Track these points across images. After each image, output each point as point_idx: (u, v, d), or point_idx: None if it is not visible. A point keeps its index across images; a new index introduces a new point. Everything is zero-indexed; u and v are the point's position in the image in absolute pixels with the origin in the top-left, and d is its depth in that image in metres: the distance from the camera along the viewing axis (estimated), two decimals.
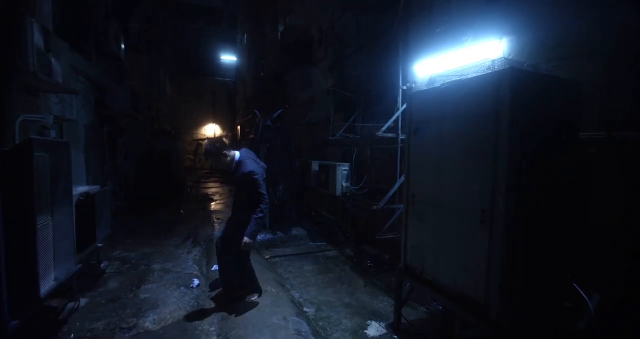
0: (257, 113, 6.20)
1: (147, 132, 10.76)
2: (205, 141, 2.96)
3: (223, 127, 22.74)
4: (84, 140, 5.33)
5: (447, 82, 2.63)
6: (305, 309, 3.27)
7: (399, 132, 4.46)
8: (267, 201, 2.89)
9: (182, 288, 3.50)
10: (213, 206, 8.78)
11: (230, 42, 22.54)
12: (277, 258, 4.70)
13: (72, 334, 2.63)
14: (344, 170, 5.32)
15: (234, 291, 3.19)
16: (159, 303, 3.14)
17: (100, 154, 6.12)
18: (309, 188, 6.25)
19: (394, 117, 4.45)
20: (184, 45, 20.80)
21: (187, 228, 5.94)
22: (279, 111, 6.16)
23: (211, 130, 22.48)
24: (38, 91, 3.91)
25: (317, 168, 6.11)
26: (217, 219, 6.72)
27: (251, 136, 13.29)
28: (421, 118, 2.72)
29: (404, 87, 4.58)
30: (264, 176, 3.03)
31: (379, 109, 5.43)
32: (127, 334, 2.64)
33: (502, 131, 1.96)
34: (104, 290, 3.43)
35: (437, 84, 3.34)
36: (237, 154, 3.02)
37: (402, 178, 4.46)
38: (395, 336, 2.82)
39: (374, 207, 4.33)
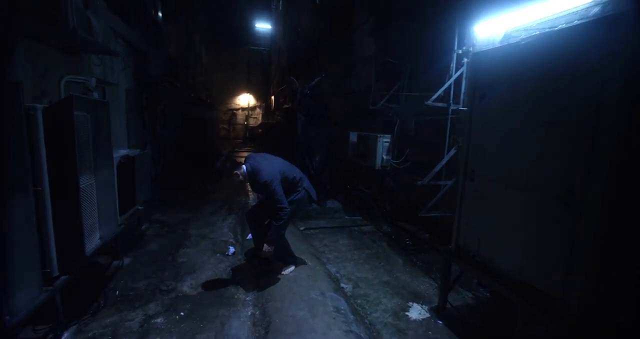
0: (295, 81, 5.90)
1: (184, 100, 10.89)
2: (217, 163, 2.69)
3: (257, 98, 22.69)
4: (125, 105, 5.38)
5: (529, 37, 2.18)
6: (342, 285, 3.14)
7: (451, 102, 4.00)
8: (286, 206, 2.68)
9: (218, 254, 3.50)
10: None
11: (265, 10, 21.82)
12: (311, 230, 4.60)
13: (117, 292, 2.69)
14: (386, 142, 4.98)
15: (269, 263, 3.11)
16: (196, 268, 3.15)
17: (140, 121, 6.21)
18: (344, 160, 6.00)
19: (446, 85, 3.97)
20: (219, 13, 20.44)
21: (222, 196, 5.99)
22: (317, 79, 5.82)
23: (245, 100, 22.54)
24: (79, 52, 3.88)
25: (355, 139, 5.81)
26: (251, 190, 6.72)
27: (286, 105, 13.07)
28: (489, 82, 2.31)
29: (459, 51, 4.04)
30: (284, 174, 2.80)
31: (426, 78, 4.93)
32: (166, 297, 2.66)
33: (613, 95, 1.55)
34: (145, 251, 3.51)
35: (510, 42, 2.85)
36: (244, 168, 2.77)
37: (452, 152, 4.08)
38: (440, 322, 2.62)
39: (419, 182, 4.01)
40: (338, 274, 3.38)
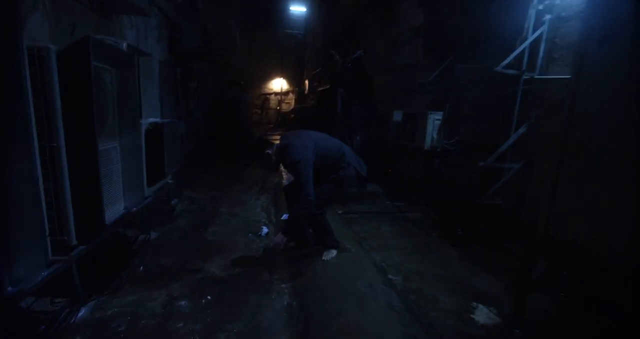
0: (334, 54, 5.40)
1: (218, 81, 10.74)
2: (247, 144, 2.30)
3: (290, 82, 22.34)
4: (158, 77, 5.17)
5: None
6: (390, 276, 2.70)
7: (524, 69, 3.32)
8: (311, 195, 2.27)
9: (249, 235, 3.18)
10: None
11: None
12: (351, 215, 4.17)
13: (142, 267, 2.44)
14: (437, 120, 4.39)
15: (307, 246, 2.74)
16: (225, 248, 2.85)
17: (173, 95, 6.03)
18: (386, 141, 5.46)
19: (520, 48, 3.29)
20: None
21: (255, 175, 5.71)
22: (359, 52, 5.27)
23: (278, 85, 22.27)
24: (111, 13, 3.63)
25: (399, 118, 5.24)
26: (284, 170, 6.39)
27: (320, 88, 12.57)
28: (616, 17, 1.70)
29: (540, 7, 3.34)
30: (321, 150, 2.39)
31: (486, 47, 4.22)
32: (193, 277, 2.36)
33: None
34: (173, 227, 3.26)
35: None
36: (275, 146, 2.45)
37: (521, 130, 3.43)
38: (517, 331, 2.11)
39: (480, 163, 3.42)
40: (384, 264, 2.93)
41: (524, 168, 3.43)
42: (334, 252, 2.58)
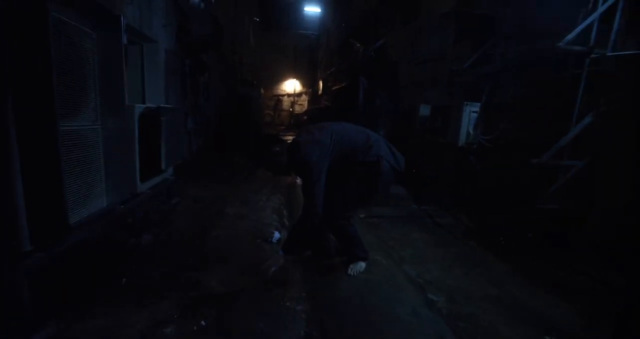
0: (355, 43, 4.92)
1: (230, 78, 10.39)
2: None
3: (303, 83, 21.99)
4: (164, 67, 4.79)
5: None
6: (430, 296, 2.15)
7: (592, 45, 2.75)
8: (316, 205, 1.79)
9: (258, 240, 2.69)
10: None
11: None
12: (374, 219, 3.64)
13: (124, 279, 1.97)
14: (474, 112, 3.83)
15: (327, 256, 2.23)
16: (229, 256, 2.36)
17: (181, 88, 5.64)
18: (411, 137, 4.91)
19: (589, 20, 2.72)
20: None
21: (267, 174, 5.23)
22: (381, 41, 4.77)
23: (291, 86, 21.97)
24: None
25: (427, 112, 4.71)
26: None
27: (335, 87, 12.11)
28: None
29: None
30: (340, 142, 1.91)
31: (534, 28, 3.66)
32: (187, 294, 1.88)
33: None
34: (171, 230, 2.80)
35: None
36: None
37: (586, 120, 2.84)
38: None
39: (534, 160, 2.85)
40: (421, 280, 2.39)
41: (589, 166, 2.84)
42: (362, 265, 2.06)
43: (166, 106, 2.77)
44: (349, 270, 2.01)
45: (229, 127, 8.42)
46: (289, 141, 2.03)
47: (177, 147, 3.14)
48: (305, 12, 22.06)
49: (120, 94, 2.08)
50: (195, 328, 1.59)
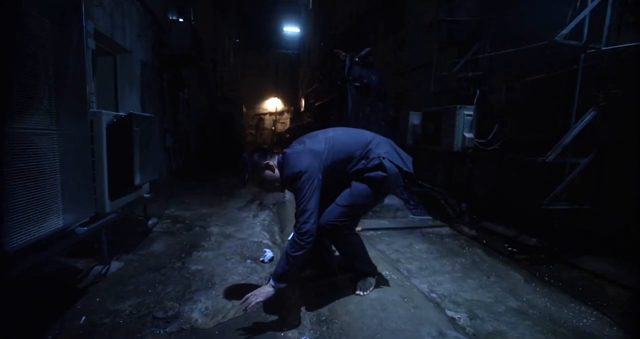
0: (340, 52, 4.82)
1: (212, 97, 10.16)
2: (244, 154, 1.79)
3: (285, 102, 22.03)
4: (139, 80, 4.51)
5: None
6: (449, 313, 1.89)
7: (585, 38, 2.69)
8: (309, 228, 1.53)
9: (248, 261, 2.37)
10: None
11: (294, 14, 21.37)
12: (371, 231, 3.39)
13: (84, 318, 1.61)
14: (468, 115, 3.72)
15: (329, 274, 1.94)
16: (215, 281, 2.03)
17: (158, 103, 5.35)
18: (403, 146, 4.75)
19: (581, 15, 2.67)
20: (248, 16, 20.16)
21: (252, 191, 4.92)
22: (367, 50, 4.69)
23: (273, 105, 21.94)
24: None
25: (416, 120, 4.59)
26: None
27: (317, 103, 12.07)
28: None
29: None
30: (336, 149, 1.69)
31: (520, 32, 3.66)
32: (162, 330, 1.53)
33: None
34: (146, 254, 2.45)
35: None
36: (277, 158, 1.76)
37: (588, 116, 2.75)
38: None
39: (538, 159, 2.71)
40: (434, 294, 2.13)
41: (594, 162, 2.73)
42: (371, 281, 1.78)
43: (140, 113, 2.47)
44: (357, 289, 1.73)
45: (211, 146, 8.10)
46: (279, 154, 1.78)
47: (154, 161, 2.83)
48: (284, 32, 22.47)
49: (81, 97, 1.79)
50: None
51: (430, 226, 3.77)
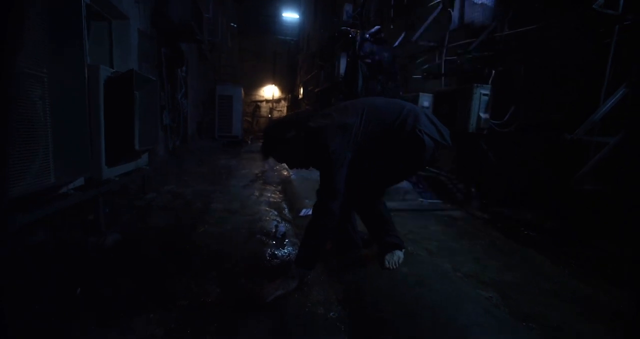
0: (349, 30, 4.60)
1: (209, 78, 9.83)
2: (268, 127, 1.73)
3: (282, 90, 21.62)
4: (136, 51, 4.23)
5: None
6: (480, 292, 1.75)
7: (622, 10, 2.53)
8: (333, 208, 1.37)
9: (258, 235, 2.19)
10: (265, 161, 7.55)
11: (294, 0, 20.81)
12: None
13: (79, 289, 1.42)
14: (484, 94, 3.55)
15: (352, 247, 1.78)
16: (223, 256, 1.86)
17: (156, 77, 5.06)
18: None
19: None
20: (247, 1, 19.55)
21: (254, 171, 4.72)
22: (377, 27, 4.47)
23: (270, 92, 21.51)
24: None
25: (427, 102, 4.40)
26: None
27: (317, 89, 11.80)
28: None
29: None
30: (363, 131, 1.49)
31: (532, 13, 3.48)
32: (172, 305, 1.35)
33: None
34: (146, 228, 2.26)
35: None
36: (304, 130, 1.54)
37: (620, 92, 2.60)
38: None
39: (568, 136, 2.56)
40: (459, 274, 1.99)
41: (622, 142, 2.59)
42: (399, 254, 1.61)
43: (142, 74, 2.24)
44: (386, 262, 1.56)
45: (208, 128, 7.83)
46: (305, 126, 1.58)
47: (155, 129, 2.60)
48: (283, 18, 21.90)
49: (77, 43, 1.56)
50: None
51: (442, 209, 3.63)
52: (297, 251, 1.41)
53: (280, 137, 1.52)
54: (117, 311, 1.29)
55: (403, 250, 1.64)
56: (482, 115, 3.59)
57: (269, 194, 3.36)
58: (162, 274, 1.61)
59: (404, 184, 4.33)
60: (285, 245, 2.05)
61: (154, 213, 2.56)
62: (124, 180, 2.30)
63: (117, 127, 2.05)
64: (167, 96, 5.51)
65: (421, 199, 3.99)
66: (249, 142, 10.64)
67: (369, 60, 4.02)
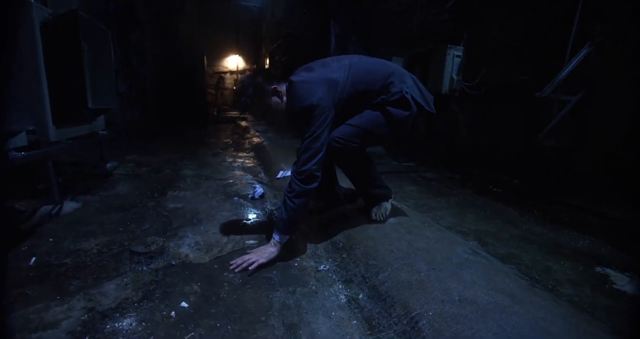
0: None
1: (168, 46, 9.02)
2: (243, 77, 1.52)
3: (246, 60, 20.55)
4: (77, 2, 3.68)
5: None
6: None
7: None
8: (314, 167, 1.27)
9: (235, 198, 2.08)
10: (248, 123, 7.25)
11: None
12: None
13: (34, 259, 1.26)
14: (457, 56, 3.54)
15: (337, 205, 1.73)
16: (201, 217, 1.74)
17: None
18: None
19: None
20: None
21: (224, 141, 4.49)
22: None
23: (234, 62, 20.37)
24: None
25: (400, 65, 4.33)
26: (258, 132, 5.21)
27: (284, 58, 11.30)
28: None
29: None
30: (356, 83, 1.41)
31: None
32: (146, 267, 1.24)
33: None
34: (109, 195, 2.05)
35: None
36: (285, 85, 1.44)
37: (583, 52, 2.68)
38: None
39: (537, 93, 2.63)
40: (440, 225, 2.03)
41: (583, 100, 2.72)
42: (386, 206, 1.58)
43: (88, 17, 1.93)
44: (372, 215, 1.53)
45: (170, 98, 7.29)
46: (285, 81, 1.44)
47: (109, 88, 2.31)
48: None
49: None
50: (172, 314, 0.99)
51: (415, 171, 3.70)
52: (277, 216, 1.30)
53: (262, 87, 1.40)
54: (83, 269, 1.16)
55: (390, 200, 1.62)
56: (455, 77, 3.60)
57: (242, 160, 3.21)
58: (131, 236, 1.47)
59: (377, 148, 4.35)
60: (265, 206, 1.97)
61: (116, 180, 2.35)
62: (78, 144, 2.05)
63: (65, 82, 1.78)
64: (119, 59, 4.97)
65: (395, 162, 4.04)
66: (215, 113, 10.14)
67: (341, 22, 3.83)
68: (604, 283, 1.49)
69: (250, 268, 1.24)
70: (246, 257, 1.28)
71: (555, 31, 2.93)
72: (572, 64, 2.66)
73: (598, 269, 1.62)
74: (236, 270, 1.24)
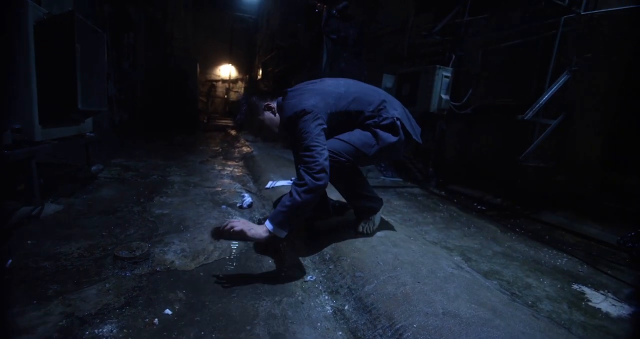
0: (316, 3, 4.44)
1: (161, 50, 9.00)
2: (240, 97, 1.24)
3: (239, 70, 20.68)
4: (71, 5, 3.67)
5: None
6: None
7: (567, 2, 2.73)
8: (322, 164, 1.25)
9: (223, 206, 2.07)
10: (239, 132, 7.23)
11: None
12: None
13: (10, 261, 1.21)
14: (446, 76, 3.67)
15: (325, 217, 1.75)
16: (187, 224, 1.72)
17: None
18: None
19: None
20: None
21: (214, 148, 4.47)
22: (344, 3, 4.38)
23: (226, 71, 20.46)
24: None
25: (390, 83, 4.47)
26: (248, 141, 5.21)
27: (276, 70, 11.43)
28: None
29: None
30: (343, 103, 1.45)
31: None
32: (128, 273, 1.21)
33: None
34: (93, 198, 2.01)
35: None
36: (279, 100, 1.50)
37: (562, 79, 2.84)
38: None
39: (519, 116, 2.75)
40: (427, 240, 2.06)
41: (562, 124, 2.86)
42: (375, 220, 1.60)
43: (85, 19, 1.93)
44: (360, 228, 1.55)
45: (161, 104, 7.23)
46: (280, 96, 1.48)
47: (100, 90, 2.29)
48: None
49: None
50: (155, 321, 0.97)
51: (402, 187, 3.77)
52: (275, 208, 1.26)
53: (256, 104, 1.44)
54: (61, 274, 1.12)
55: (379, 212, 1.63)
56: (443, 96, 3.73)
57: (231, 169, 3.20)
58: (114, 241, 1.44)
59: None
60: (253, 216, 1.96)
61: (101, 184, 2.30)
62: (64, 145, 2.01)
63: (56, 82, 1.76)
64: (111, 63, 4.93)
65: (383, 177, 4.10)
66: (205, 121, 10.10)
67: (334, 36, 3.94)
68: (580, 300, 1.54)
69: (232, 231, 1.18)
70: (235, 222, 1.21)
71: (535, 58, 3.10)
72: (552, 90, 2.80)
73: (575, 286, 1.67)
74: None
